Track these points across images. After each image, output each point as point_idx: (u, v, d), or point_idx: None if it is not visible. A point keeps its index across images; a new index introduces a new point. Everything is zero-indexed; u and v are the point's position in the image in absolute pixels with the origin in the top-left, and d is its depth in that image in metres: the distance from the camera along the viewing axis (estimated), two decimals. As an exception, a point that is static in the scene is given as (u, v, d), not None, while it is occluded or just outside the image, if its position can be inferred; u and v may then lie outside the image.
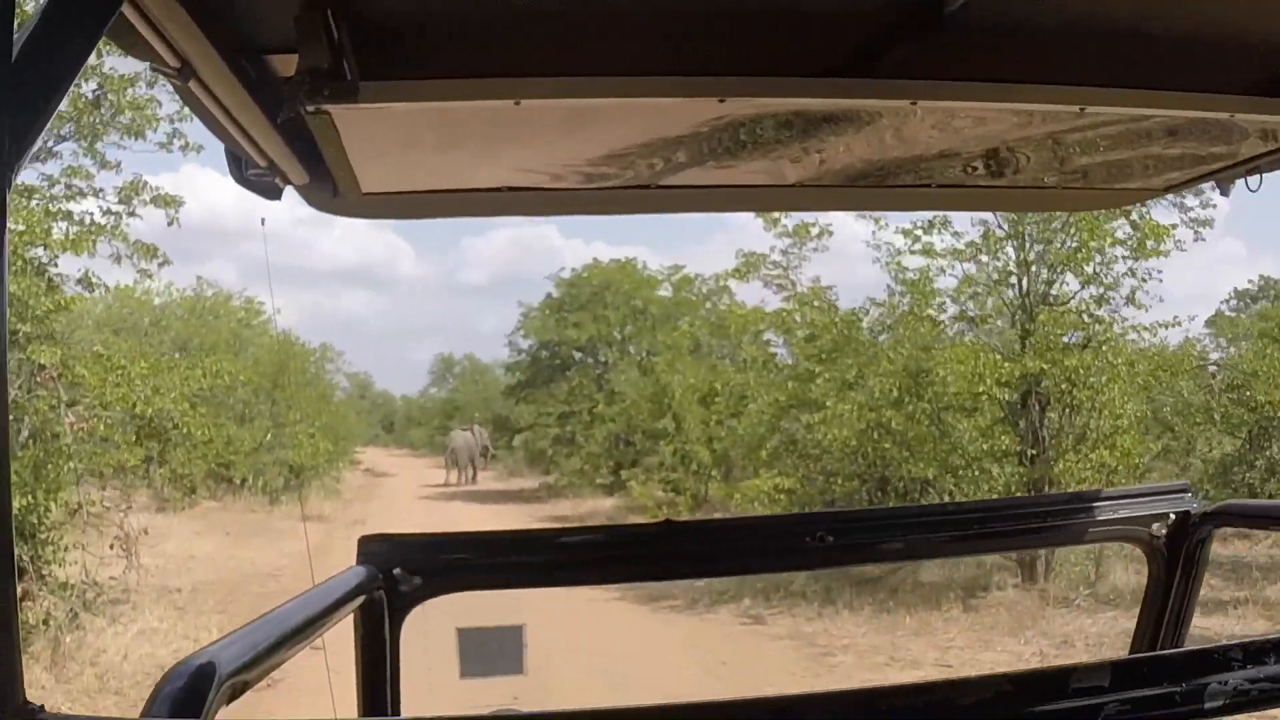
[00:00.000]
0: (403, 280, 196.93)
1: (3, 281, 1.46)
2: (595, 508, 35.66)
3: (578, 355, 42.30)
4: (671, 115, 2.71)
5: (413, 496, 42.84)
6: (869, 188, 3.57)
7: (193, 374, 29.89)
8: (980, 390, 15.72)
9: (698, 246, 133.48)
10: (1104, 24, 2.51)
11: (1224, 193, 3.52)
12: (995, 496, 15.73)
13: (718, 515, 26.07)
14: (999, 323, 17.59)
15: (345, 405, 62.91)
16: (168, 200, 18.77)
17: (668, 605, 18.08)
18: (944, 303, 18.01)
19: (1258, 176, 3.33)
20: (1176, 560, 3.48)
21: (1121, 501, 3.61)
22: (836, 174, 3.33)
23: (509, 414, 49.88)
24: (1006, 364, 15.81)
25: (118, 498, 33.26)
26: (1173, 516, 3.49)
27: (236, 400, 36.58)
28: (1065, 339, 16.39)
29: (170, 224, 19.00)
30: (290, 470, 36.67)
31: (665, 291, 41.22)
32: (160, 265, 19.38)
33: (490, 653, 3.37)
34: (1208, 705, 1.65)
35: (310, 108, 2.28)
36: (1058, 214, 14.96)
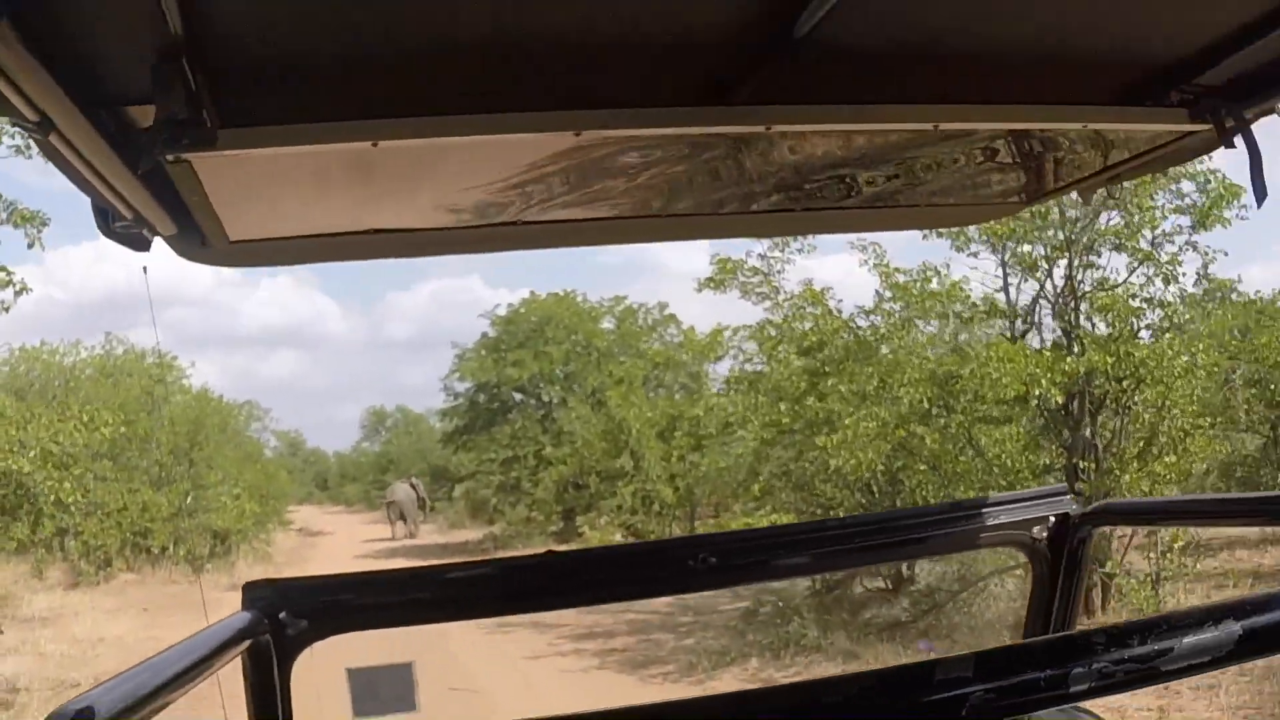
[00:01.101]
0: (330, 338, 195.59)
1: None
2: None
3: (518, 397, 39.73)
4: (530, 150, 2.72)
5: (350, 555, 39.88)
6: (733, 214, 3.52)
7: (63, 427, 27.43)
8: (1031, 393, 13.33)
9: (625, 289, 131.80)
10: (955, 41, 2.53)
11: (1086, 201, 4.00)
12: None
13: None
14: (1037, 316, 15.16)
15: (275, 464, 60.56)
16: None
17: (659, 672, 15.92)
18: (968, 297, 15.57)
19: (1119, 184, 3.57)
20: (1059, 561, 3.58)
21: (1002, 507, 3.67)
22: (700, 202, 3.34)
23: (447, 463, 47.78)
24: (1067, 359, 13.40)
25: (22, 575, 30.81)
26: (1053, 519, 3.59)
27: (150, 463, 33.78)
28: (1118, 327, 13.95)
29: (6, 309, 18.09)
30: (214, 536, 33.82)
31: (608, 324, 39.03)
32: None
33: (382, 691, 3.29)
34: (1073, 689, 1.70)
35: (170, 157, 2.34)
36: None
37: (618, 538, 29.40)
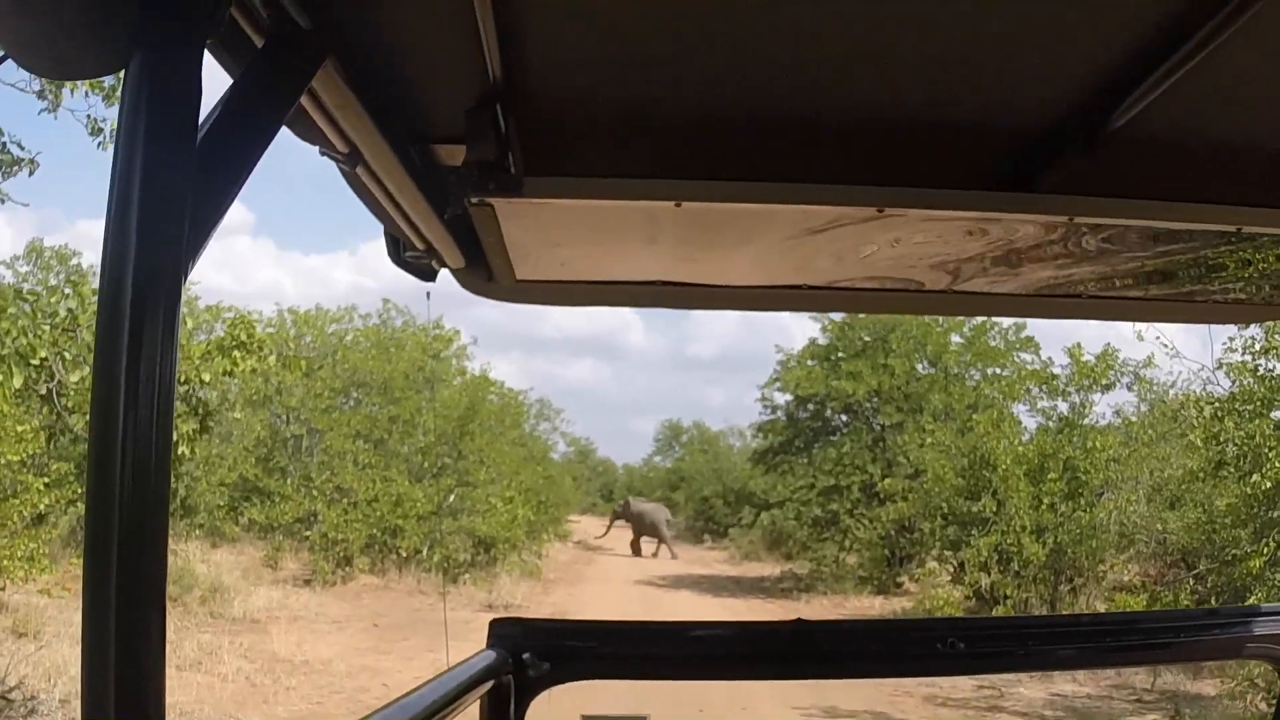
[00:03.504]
0: (633, 351, 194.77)
1: (172, 365, 1.45)
2: (863, 609, 27.68)
3: (843, 418, 33.47)
4: (824, 219, 2.71)
5: (627, 581, 34.59)
6: (1015, 295, 3.53)
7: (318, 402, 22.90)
8: None
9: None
10: (1259, 144, 2.53)
11: None
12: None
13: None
14: None
15: (561, 468, 56.33)
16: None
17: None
18: None
19: None
20: None
21: (1256, 619, 3.59)
22: (982, 281, 3.33)
23: (747, 485, 42.27)
24: None
25: (253, 563, 26.37)
26: None
27: (412, 450, 29.04)
28: None
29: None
30: (477, 542, 28.85)
31: (957, 340, 32.49)
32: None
33: None
34: None
35: (475, 199, 2.45)
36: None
37: (956, 594, 23.61)
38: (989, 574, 23.09)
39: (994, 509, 22.71)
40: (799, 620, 3.65)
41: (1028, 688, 17.07)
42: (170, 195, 1.47)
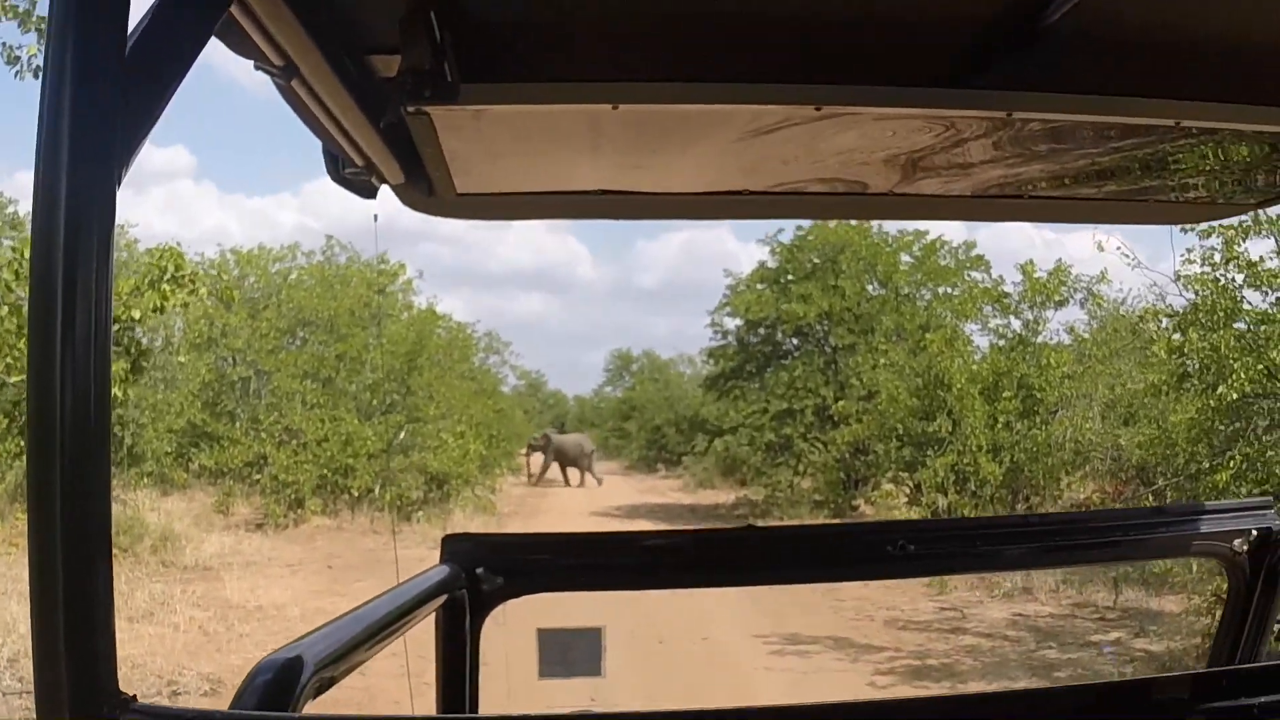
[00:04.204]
0: (580, 283, 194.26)
1: (109, 280, 1.45)
2: (819, 535, 27.11)
3: (794, 342, 33.22)
4: (767, 121, 2.69)
5: (582, 513, 34.39)
6: (961, 197, 3.47)
7: (264, 343, 22.15)
8: None
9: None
10: (1199, 37, 2.51)
11: None
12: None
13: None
14: None
15: (512, 402, 56.05)
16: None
17: None
18: None
19: None
20: (1257, 577, 3.46)
21: (1204, 517, 3.64)
22: (929, 183, 3.29)
23: (699, 412, 42.33)
24: None
25: (204, 510, 25.98)
26: (1255, 533, 3.43)
27: (360, 387, 28.63)
28: None
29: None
30: (429, 479, 28.54)
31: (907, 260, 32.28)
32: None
33: (570, 655, 3.34)
34: None
35: (411, 108, 2.36)
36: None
37: (912, 518, 23.61)
38: (946, 495, 23.03)
39: (949, 429, 22.63)
40: (750, 526, 3.51)
41: (989, 608, 17.04)
42: (100, 106, 1.47)
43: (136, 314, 16.74)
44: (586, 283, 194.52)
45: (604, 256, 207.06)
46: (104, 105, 1.48)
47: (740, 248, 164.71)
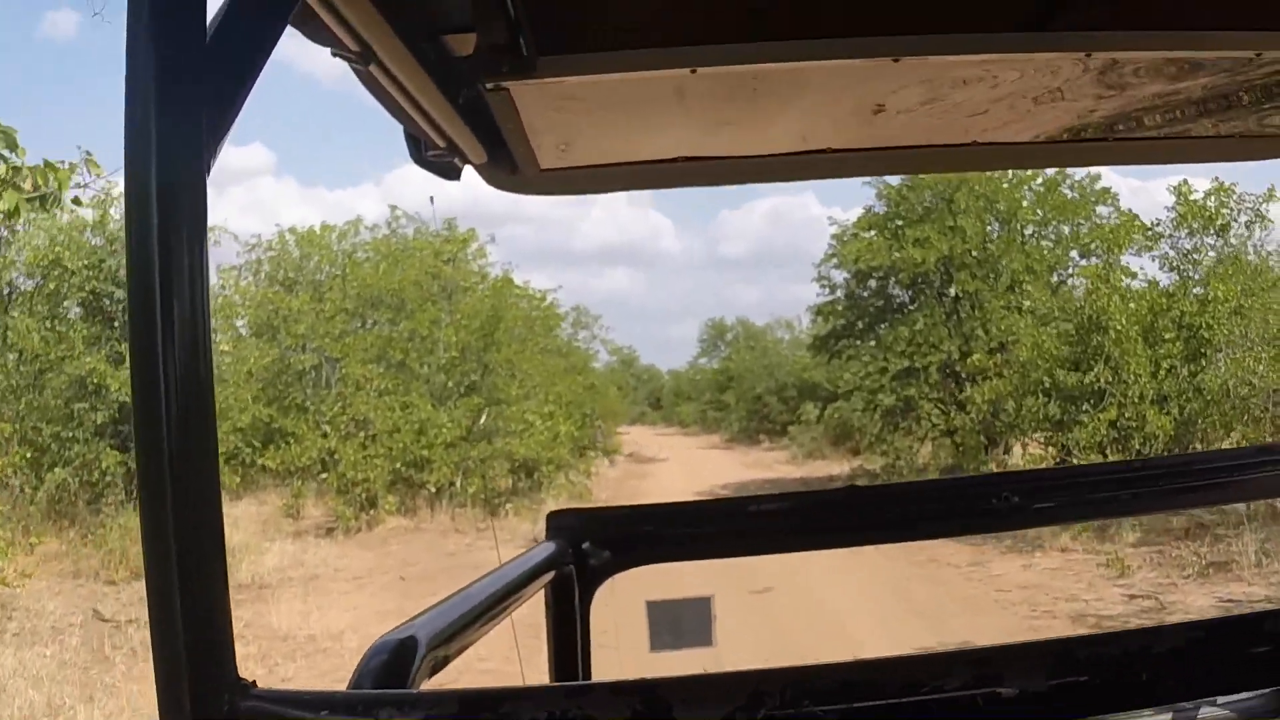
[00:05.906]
0: (665, 256, 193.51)
1: (205, 269, 1.45)
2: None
3: (909, 293, 30.02)
4: (846, 77, 2.72)
5: (686, 493, 31.57)
6: (1047, 143, 3.41)
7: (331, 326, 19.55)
8: None
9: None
10: None
11: None
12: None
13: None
14: None
15: (605, 379, 53.68)
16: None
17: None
18: None
19: None
20: None
21: None
22: (1013, 129, 3.28)
23: (804, 377, 39.39)
24: None
25: (273, 514, 23.51)
26: None
27: (433, 369, 25.98)
28: None
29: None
30: (516, 467, 25.90)
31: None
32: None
33: (680, 626, 3.31)
34: None
35: (489, 84, 2.45)
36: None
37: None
38: (1105, 454, 20.01)
39: (1109, 378, 19.51)
40: (851, 486, 3.96)
41: (1186, 592, 14.29)
42: (184, 98, 1.46)
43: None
44: (671, 255, 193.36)
45: (687, 228, 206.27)
46: (188, 97, 1.46)
47: (824, 211, 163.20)
